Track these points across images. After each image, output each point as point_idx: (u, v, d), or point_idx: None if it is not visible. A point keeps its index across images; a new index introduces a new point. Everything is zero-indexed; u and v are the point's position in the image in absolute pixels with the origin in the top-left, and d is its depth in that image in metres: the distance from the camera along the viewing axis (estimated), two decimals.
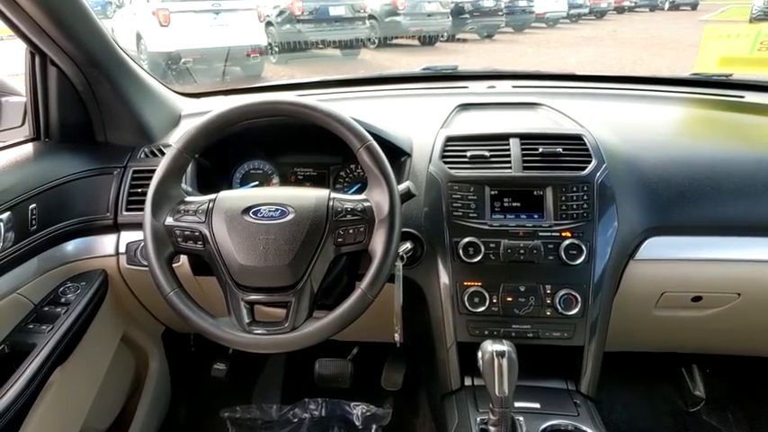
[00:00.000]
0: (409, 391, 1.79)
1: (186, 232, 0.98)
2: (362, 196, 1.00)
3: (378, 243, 0.95)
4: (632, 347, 1.47)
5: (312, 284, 0.96)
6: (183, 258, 1.27)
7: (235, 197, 1.01)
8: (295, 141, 1.37)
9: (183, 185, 1.05)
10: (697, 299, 1.21)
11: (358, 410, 1.78)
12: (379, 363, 1.84)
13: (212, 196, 1.01)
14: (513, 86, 1.70)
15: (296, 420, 1.79)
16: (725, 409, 1.74)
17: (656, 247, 1.17)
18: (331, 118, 0.97)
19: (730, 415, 1.73)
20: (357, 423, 1.76)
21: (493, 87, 1.69)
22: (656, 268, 1.18)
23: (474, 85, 1.72)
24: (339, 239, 0.96)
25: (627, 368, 1.64)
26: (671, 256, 1.17)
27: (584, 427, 1.02)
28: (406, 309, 1.27)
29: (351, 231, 0.96)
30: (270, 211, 0.98)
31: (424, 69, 1.81)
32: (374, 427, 1.74)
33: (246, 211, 0.97)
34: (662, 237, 1.17)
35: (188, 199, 1.02)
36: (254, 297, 0.96)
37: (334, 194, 1.00)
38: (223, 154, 1.38)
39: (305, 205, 0.98)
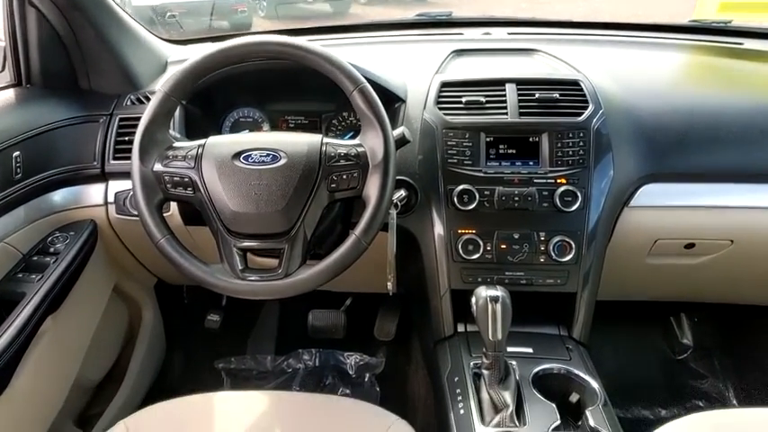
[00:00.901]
0: (402, 340, 1.81)
1: (176, 178, 0.96)
2: (356, 141, 0.98)
3: (372, 189, 0.94)
4: (624, 296, 1.48)
5: (305, 231, 0.95)
6: (174, 208, 1.25)
7: (225, 142, 0.98)
8: (286, 88, 1.34)
9: (172, 131, 1.03)
10: (690, 246, 1.22)
11: (351, 360, 1.80)
12: (372, 313, 1.85)
13: (201, 141, 0.99)
14: (509, 33, 1.66)
15: (290, 370, 1.81)
16: (711, 357, 1.78)
17: (651, 195, 1.16)
18: (323, 59, 0.94)
19: (717, 362, 1.77)
20: (351, 372, 1.79)
21: (488, 34, 1.65)
22: (650, 215, 1.18)
23: (469, 32, 1.67)
24: (332, 185, 0.95)
25: (617, 316, 1.66)
26: (665, 203, 1.17)
27: (576, 371, 1.03)
28: (400, 258, 1.26)
29: (344, 177, 0.95)
30: (261, 156, 0.96)
31: (418, 16, 1.76)
32: (367, 375, 1.77)
33: (237, 156, 0.95)
34: (657, 184, 1.17)
35: (176, 144, 0.99)
36: (246, 244, 0.95)
37: (327, 139, 0.98)
38: (212, 101, 1.34)
39: (297, 150, 0.95)
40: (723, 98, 1.25)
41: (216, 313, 1.77)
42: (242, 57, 0.97)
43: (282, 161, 0.94)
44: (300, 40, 0.96)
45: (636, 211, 1.17)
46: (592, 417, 0.93)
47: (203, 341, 1.82)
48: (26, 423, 1.13)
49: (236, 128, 1.39)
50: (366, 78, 0.96)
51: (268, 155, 0.96)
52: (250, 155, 0.96)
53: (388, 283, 1.16)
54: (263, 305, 1.92)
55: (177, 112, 1.22)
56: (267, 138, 1.00)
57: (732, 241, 1.20)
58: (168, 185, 0.96)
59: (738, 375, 1.71)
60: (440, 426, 1.04)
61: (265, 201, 0.92)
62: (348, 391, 1.74)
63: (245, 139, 0.99)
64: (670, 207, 1.17)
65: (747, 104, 1.21)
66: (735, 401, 1.68)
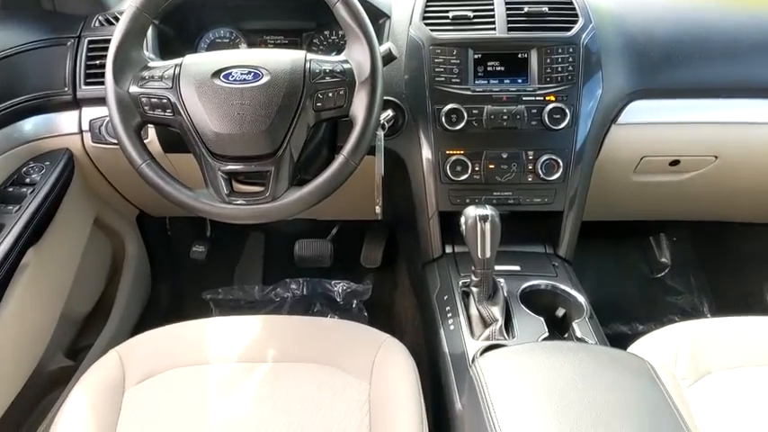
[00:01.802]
0: (388, 267, 1.83)
1: (153, 100, 0.91)
2: (342, 57, 0.94)
3: (359, 107, 0.91)
4: (610, 215, 1.51)
5: (292, 152, 0.92)
6: (152, 136, 1.21)
7: (203, 61, 0.94)
8: (264, 4, 1.28)
9: (146, 52, 0.98)
10: (675, 163, 1.23)
11: (339, 287, 1.82)
12: (358, 241, 1.86)
13: (178, 60, 0.94)
14: None
15: (278, 299, 1.83)
16: (688, 274, 1.84)
17: (639, 111, 1.16)
18: None
19: (693, 279, 1.83)
20: (338, 299, 1.81)
21: None
22: (637, 132, 1.18)
23: None
24: (318, 104, 0.92)
25: (599, 236, 1.70)
26: (653, 119, 1.16)
27: (562, 286, 1.05)
28: (387, 181, 1.26)
29: (330, 95, 0.91)
30: (242, 74, 0.91)
31: None
32: (355, 302, 1.79)
33: (217, 74, 0.91)
34: (645, 100, 1.16)
35: (152, 64, 0.94)
36: (231, 167, 0.92)
37: (311, 56, 0.94)
38: (186, 22, 1.27)
39: (280, 67, 0.91)
40: (713, 10, 1.22)
41: (201, 244, 1.75)
42: None
43: (265, 79, 0.90)
44: None
45: (623, 128, 1.16)
46: (578, 328, 0.96)
47: (189, 272, 1.81)
48: (15, 355, 1.13)
49: (212, 49, 1.32)
50: None
51: (249, 72, 0.91)
52: (230, 73, 0.91)
53: (377, 207, 1.15)
54: (248, 235, 1.91)
55: (150, 33, 1.16)
56: (248, 55, 0.95)
57: (716, 157, 1.21)
58: (146, 107, 0.92)
59: (713, 290, 1.78)
60: (430, 343, 1.06)
61: (249, 121, 0.89)
62: (336, 317, 1.77)
63: (224, 56, 0.95)
64: (657, 123, 1.17)
65: (738, 16, 1.19)
66: (709, 315, 1.75)
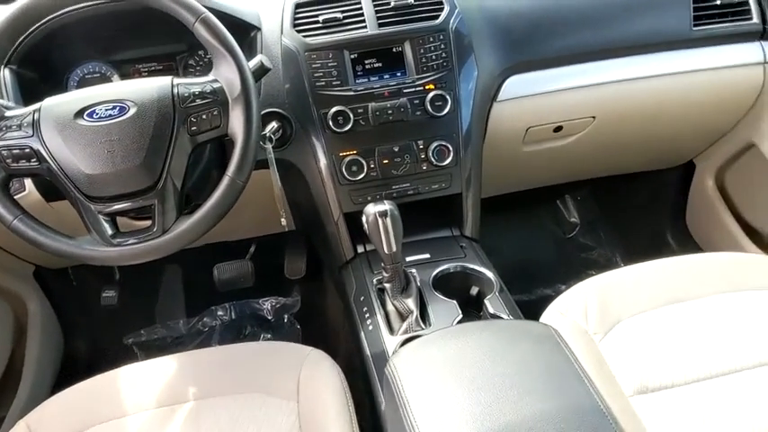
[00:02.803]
0: (314, 275, 1.82)
1: (15, 151, 0.86)
2: (210, 77, 0.92)
3: (236, 124, 0.89)
4: (509, 188, 1.56)
5: (174, 182, 0.89)
6: (30, 186, 1.13)
7: (63, 102, 0.89)
8: (130, 33, 1.22)
9: (1, 101, 0.91)
10: (558, 129, 1.29)
11: (267, 305, 1.78)
12: (279, 255, 1.83)
13: (36, 106, 0.89)
14: None
15: (206, 329, 1.77)
16: (597, 230, 1.94)
17: (516, 85, 1.21)
18: None
19: (602, 234, 1.93)
20: (269, 317, 1.78)
21: None
22: (518, 106, 1.22)
23: None
24: (193, 128, 0.89)
25: (508, 209, 1.76)
26: (530, 91, 1.22)
27: (470, 266, 1.08)
28: (289, 192, 1.24)
29: (204, 117, 0.89)
30: (107, 109, 0.87)
31: None
32: (286, 316, 1.77)
33: (80, 114, 0.86)
34: (520, 74, 1.21)
35: (8, 114, 0.88)
36: (112, 207, 0.88)
37: (177, 80, 0.91)
38: (49, 61, 1.20)
39: (147, 97, 0.88)
40: None
41: (111, 288, 1.66)
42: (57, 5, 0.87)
43: (132, 111, 0.87)
44: None
45: (504, 104, 1.21)
46: (490, 304, 0.99)
47: (104, 320, 1.72)
48: None
49: (83, 86, 1.25)
50: (210, 8, 0.90)
51: (115, 107, 0.87)
52: (94, 110, 0.87)
53: (282, 219, 1.14)
54: (163, 271, 1.84)
55: (7, 79, 1.08)
56: (110, 89, 0.91)
57: (594, 117, 1.28)
58: (8, 160, 0.86)
59: (621, 240, 1.89)
60: (355, 346, 1.06)
61: (121, 157, 0.85)
62: (269, 336, 1.74)
63: (85, 94, 0.90)
64: (535, 95, 1.22)
65: None
66: (622, 264, 1.85)
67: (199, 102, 0.89)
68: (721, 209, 1.58)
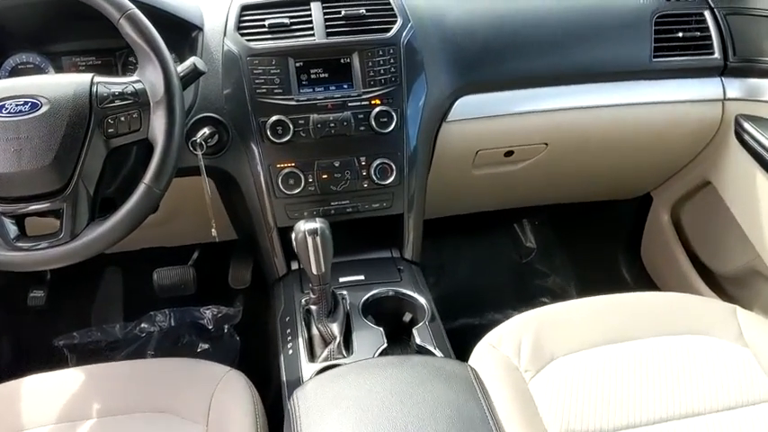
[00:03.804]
0: (259, 285, 1.75)
1: None
2: (134, 77, 0.87)
3: (157, 129, 0.84)
4: (457, 210, 1.53)
5: (86, 186, 0.84)
6: None
7: None
8: (68, 24, 1.16)
9: None
10: (509, 153, 1.25)
11: (209, 313, 1.71)
12: (225, 262, 1.77)
13: None
14: None
15: (144, 335, 1.70)
16: (554, 257, 1.91)
17: (467, 106, 1.17)
18: None
19: (558, 261, 1.90)
20: (209, 326, 1.71)
21: None
22: (468, 127, 1.19)
23: None
24: (110, 130, 0.84)
25: (465, 231, 1.72)
26: (481, 113, 1.18)
27: (404, 291, 1.04)
28: (226, 201, 1.19)
29: (122, 119, 0.84)
30: (18, 105, 0.82)
31: None
32: (226, 327, 1.70)
33: None
34: (472, 95, 1.18)
35: None
36: (14, 208, 0.82)
37: (99, 78, 0.85)
38: None
39: (62, 94, 0.82)
40: (529, 2, 1.25)
41: (39, 289, 1.58)
42: None
43: (44, 108, 0.81)
44: None
45: (454, 124, 1.17)
46: (418, 334, 0.95)
47: (32, 321, 1.64)
48: None
49: (15, 77, 1.19)
50: (145, 4, 0.85)
51: (26, 103, 0.82)
52: (3, 105, 0.82)
53: (212, 230, 1.08)
54: (102, 273, 1.76)
55: None
56: (24, 83, 0.85)
57: (546, 144, 1.25)
58: None
59: (576, 269, 1.86)
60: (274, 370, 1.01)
61: (28, 156, 0.80)
62: (207, 347, 1.67)
63: None
64: (486, 117, 1.19)
65: (553, 9, 1.23)
66: (575, 293, 1.83)
67: (118, 102, 0.84)
68: (675, 244, 1.56)
